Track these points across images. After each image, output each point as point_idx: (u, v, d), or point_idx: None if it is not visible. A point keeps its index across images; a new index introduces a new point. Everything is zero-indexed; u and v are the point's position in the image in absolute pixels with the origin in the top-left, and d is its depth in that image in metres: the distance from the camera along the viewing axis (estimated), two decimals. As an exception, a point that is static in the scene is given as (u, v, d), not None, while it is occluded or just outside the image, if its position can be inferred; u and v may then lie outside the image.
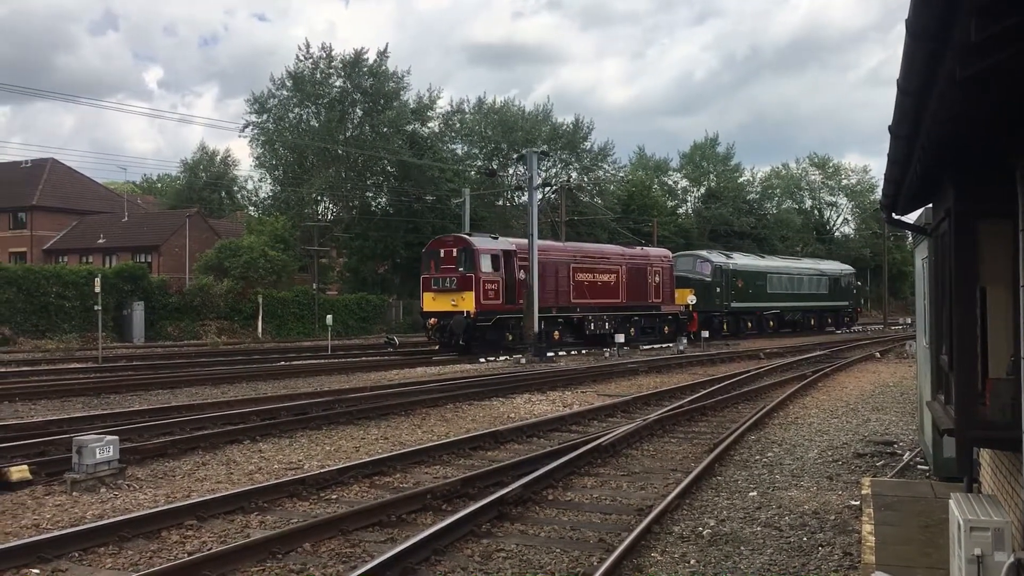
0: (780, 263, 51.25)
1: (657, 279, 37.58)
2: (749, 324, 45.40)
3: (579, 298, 33.60)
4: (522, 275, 30.62)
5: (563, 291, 32.98)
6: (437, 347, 31.60)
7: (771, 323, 47.22)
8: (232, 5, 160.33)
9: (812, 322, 50.88)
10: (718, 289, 43.04)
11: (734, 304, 44.00)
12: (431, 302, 30.83)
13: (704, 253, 46.25)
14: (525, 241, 32.47)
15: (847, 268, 58.04)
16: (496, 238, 32.53)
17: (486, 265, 30.35)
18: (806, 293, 50.55)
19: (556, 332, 32.58)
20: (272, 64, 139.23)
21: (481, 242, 31.12)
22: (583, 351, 32.82)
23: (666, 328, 37.99)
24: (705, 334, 40.41)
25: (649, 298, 37.08)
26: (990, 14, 2.83)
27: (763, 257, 51.76)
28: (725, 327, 43.19)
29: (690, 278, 41.95)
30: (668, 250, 42.05)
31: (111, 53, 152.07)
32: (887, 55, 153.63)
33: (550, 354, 29.94)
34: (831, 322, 52.79)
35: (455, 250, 30.76)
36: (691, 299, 39.74)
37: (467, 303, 29.66)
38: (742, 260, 47.24)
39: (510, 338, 31.08)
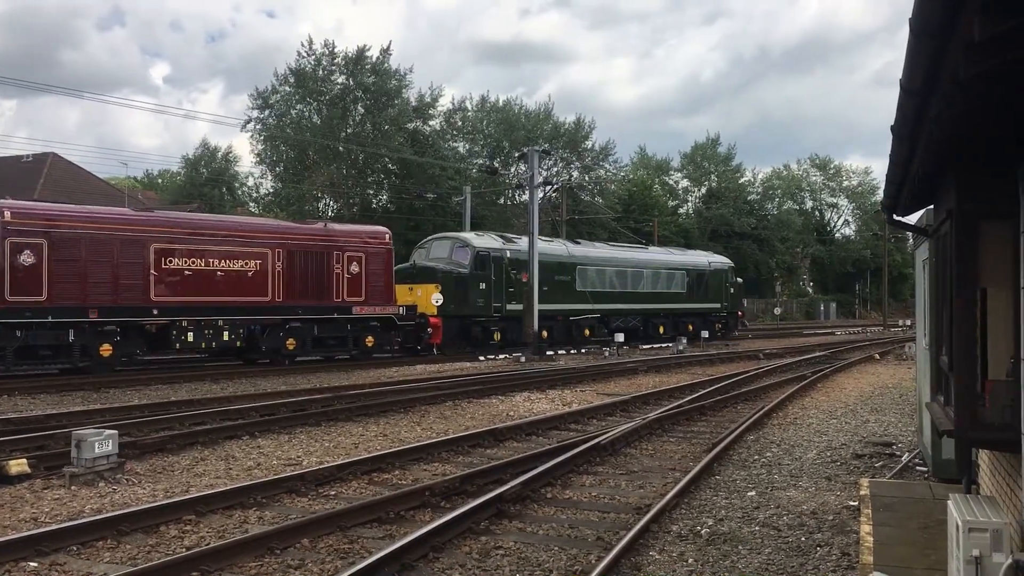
0: (603, 252, 38.41)
1: (355, 269, 26.44)
2: (545, 333, 32.57)
3: (168, 294, 22.50)
4: None
5: (129, 283, 21.79)
6: None
7: (586, 331, 35.53)
8: (240, 1, 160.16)
9: (661, 330, 39.32)
10: (482, 285, 30.86)
11: (512, 306, 31.62)
12: None
13: (466, 236, 33.19)
14: None
15: (720, 261, 45.73)
16: None
17: None
18: (649, 292, 38.98)
19: (106, 346, 21.19)
20: (279, 61, 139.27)
21: None
22: (574, 350, 32.71)
23: (368, 339, 26.67)
24: (706, 335, 39.85)
25: (336, 296, 25.96)
26: (994, 13, 2.82)
27: (577, 243, 38.68)
28: (498, 337, 31.47)
29: (437, 270, 30.31)
30: (385, 229, 29.34)
31: (118, 49, 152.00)
32: (893, 56, 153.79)
33: (550, 353, 29.90)
34: (693, 329, 40.14)
35: None
36: (436, 298, 28.99)
37: None
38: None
39: None
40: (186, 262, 22.96)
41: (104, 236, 21.65)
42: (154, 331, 22.63)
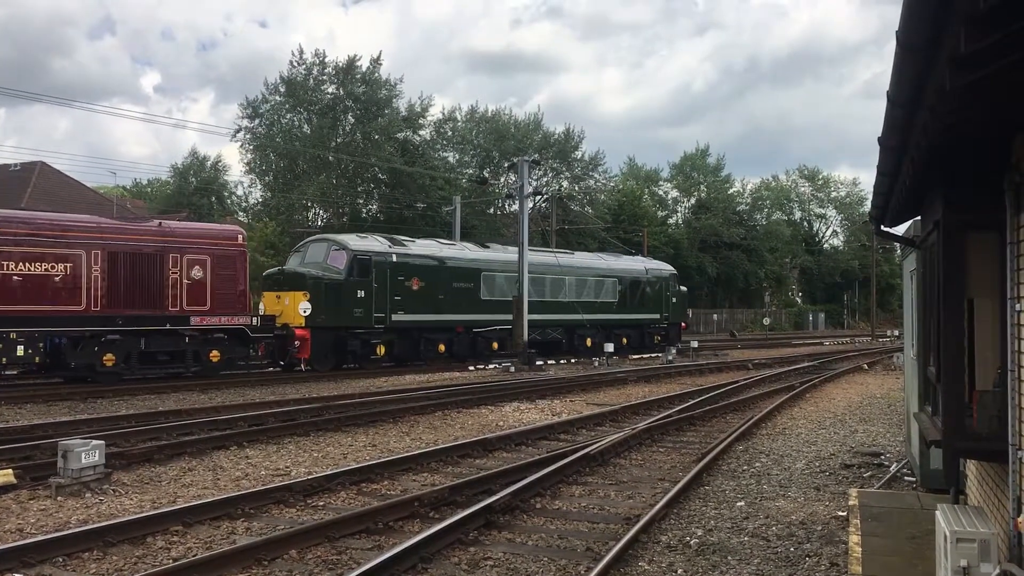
0: (516, 256, 32.62)
1: (197, 273, 22.93)
2: (441, 347, 29.91)
3: None
4: None
5: None
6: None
7: (494, 345, 31.62)
8: (232, 10, 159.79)
9: (588, 343, 35.38)
10: (361, 293, 27.19)
11: (399, 316, 28.32)
12: None
13: (343, 238, 29.28)
14: None
15: (659, 267, 41.92)
16: None
17: None
18: (572, 301, 35.17)
19: None
20: (270, 71, 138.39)
21: None
22: (563, 360, 32.72)
23: (213, 353, 23.22)
24: (695, 344, 39.75)
25: (172, 304, 22.50)
26: (980, 25, 2.85)
27: (485, 247, 34.60)
28: (381, 350, 27.93)
29: (306, 276, 26.57)
30: (239, 228, 26.42)
31: (108, 57, 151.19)
32: (881, 68, 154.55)
33: (539, 363, 29.87)
34: (627, 342, 37.59)
35: None
36: (304, 308, 25.58)
37: None
38: (425, 248, 30.84)
39: None
40: None
41: None
42: None
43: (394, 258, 28.69)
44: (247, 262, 24.67)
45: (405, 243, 30.48)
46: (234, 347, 23.84)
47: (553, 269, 34.90)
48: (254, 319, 24.34)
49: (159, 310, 22.29)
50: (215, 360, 23.31)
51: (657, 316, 40.02)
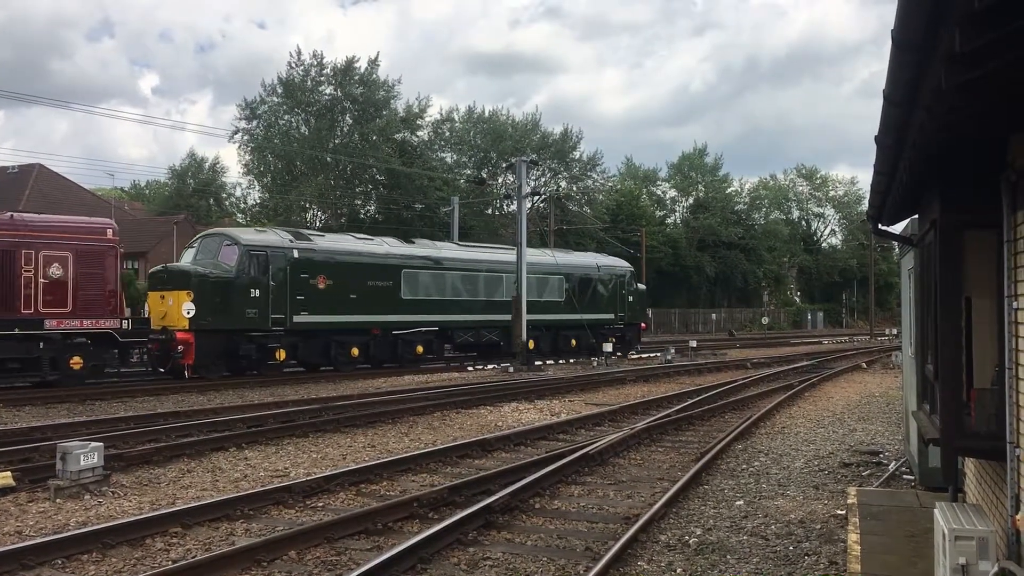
0: (444, 252, 31.44)
1: (56, 272, 20.37)
2: (355, 351, 26.95)
3: None
4: None
5: None
6: None
7: (419, 349, 28.97)
8: (230, 12, 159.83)
9: (532, 345, 31.88)
10: (255, 292, 24.36)
11: (302, 318, 25.45)
12: None
13: (235, 231, 26.81)
14: None
15: (613, 264, 38.92)
16: None
17: None
18: (510, 300, 31.42)
19: None
20: (269, 72, 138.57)
21: None
22: (562, 360, 32.72)
23: (75, 360, 20.43)
24: (693, 343, 39.70)
25: (25, 306, 19.97)
26: (975, 25, 2.85)
27: (410, 243, 31.48)
28: (281, 355, 25.08)
29: (191, 274, 23.74)
30: (109, 221, 24.04)
31: (107, 59, 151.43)
32: (880, 68, 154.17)
33: (538, 363, 29.89)
34: (577, 345, 34.51)
35: None
36: (188, 308, 22.90)
37: None
38: (334, 243, 28.04)
39: None
40: None
41: None
42: None
43: (295, 253, 25.71)
44: (118, 259, 22.03)
45: (311, 237, 27.70)
46: (100, 353, 21.26)
47: (488, 265, 32.01)
48: (124, 322, 21.82)
49: (8, 312, 19.73)
50: (77, 367, 20.61)
51: (611, 316, 36.93)
